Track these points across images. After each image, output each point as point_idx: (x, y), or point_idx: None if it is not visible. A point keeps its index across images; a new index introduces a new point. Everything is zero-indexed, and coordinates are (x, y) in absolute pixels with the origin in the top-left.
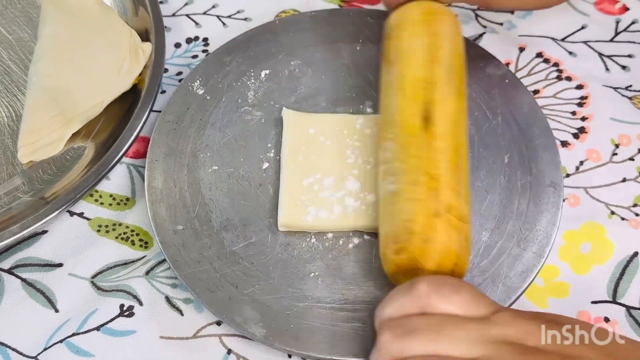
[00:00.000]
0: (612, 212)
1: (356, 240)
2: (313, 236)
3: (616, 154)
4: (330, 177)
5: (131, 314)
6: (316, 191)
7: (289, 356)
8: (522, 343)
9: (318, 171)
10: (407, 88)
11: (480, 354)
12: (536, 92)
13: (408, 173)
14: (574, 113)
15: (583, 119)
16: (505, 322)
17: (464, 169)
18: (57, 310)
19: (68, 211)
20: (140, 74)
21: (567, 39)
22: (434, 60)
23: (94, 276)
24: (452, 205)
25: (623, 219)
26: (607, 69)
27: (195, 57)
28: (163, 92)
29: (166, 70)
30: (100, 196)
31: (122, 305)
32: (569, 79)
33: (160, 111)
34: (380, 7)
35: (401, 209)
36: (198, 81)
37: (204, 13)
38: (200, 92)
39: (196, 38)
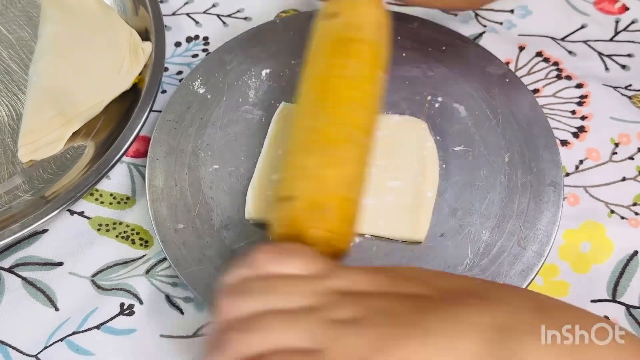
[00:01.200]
0: (612, 211)
1: (357, 239)
2: None
3: (616, 153)
4: None
5: (131, 313)
6: None
7: None
8: (350, 290)
9: None
10: None
11: (310, 304)
12: (536, 91)
13: None
14: (573, 112)
15: (583, 118)
16: (338, 276)
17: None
18: (57, 309)
19: (68, 210)
20: (140, 73)
21: (567, 39)
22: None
23: (94, 275)
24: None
25: (623, 217)
26: (606, 68)
27: (195, 56)
28: (164, 91)
29: (166, 70)
30: (101, 195)
31: (122, 304)
32: (568, 78)
33: (160, 111)
34: None
35: None
36: (199, 80)
37: (204, 12)
38: (201, 91)
39: (196, 37)
